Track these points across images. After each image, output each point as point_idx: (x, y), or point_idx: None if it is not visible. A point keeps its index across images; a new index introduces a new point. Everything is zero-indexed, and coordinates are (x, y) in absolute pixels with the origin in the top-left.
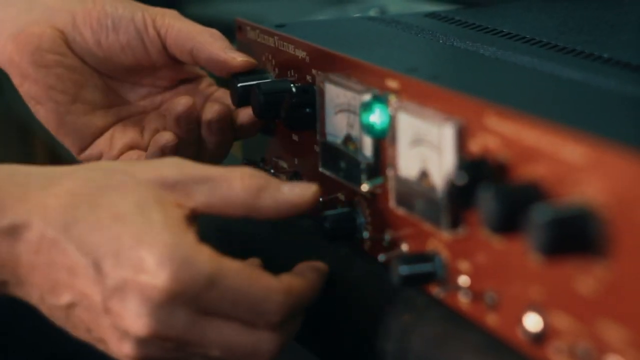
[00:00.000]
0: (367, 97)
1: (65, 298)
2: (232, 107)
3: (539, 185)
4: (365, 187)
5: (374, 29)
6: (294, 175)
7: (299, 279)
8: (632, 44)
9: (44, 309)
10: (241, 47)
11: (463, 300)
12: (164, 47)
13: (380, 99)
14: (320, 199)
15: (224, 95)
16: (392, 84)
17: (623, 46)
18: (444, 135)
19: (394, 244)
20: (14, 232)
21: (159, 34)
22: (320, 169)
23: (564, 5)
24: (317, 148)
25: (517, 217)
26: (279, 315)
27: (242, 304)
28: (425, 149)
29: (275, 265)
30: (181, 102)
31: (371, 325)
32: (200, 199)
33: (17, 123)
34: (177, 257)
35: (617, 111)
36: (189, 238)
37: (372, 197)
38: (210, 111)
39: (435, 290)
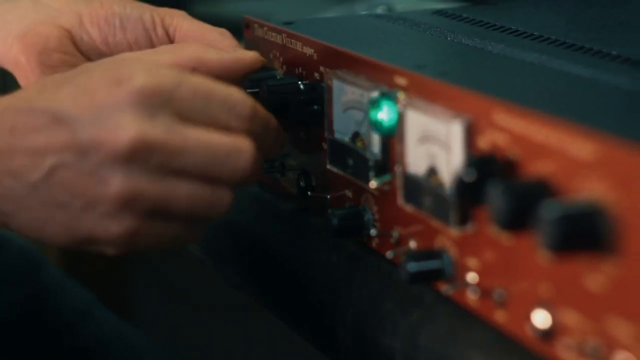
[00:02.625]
0: (375, 94)
1: (47, 162)
2: None
3: (548, 182)
4: (373, 184)
5: (381, 27)
6: (302, 173)
7: None
8: None
9: (28, 201)
10: (249, 45)
11: (471, 297)
12: None
13: (388, 95)
14: (328, 196)
15: None
16: (400, 80)
17: (632, 43)
18: (453, 132)
19: (402, 240)
20: None
21: (167, 34)
22: (328, 166)
23: (572, 2)
24: (325, 145)
25: (525, 214)
26: (249, 110)
27: (214, 99)
28: (434, 145)
29: (283, 262)
30: None
31: (379, 323)
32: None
33: None
34: (145, 62)
35: (626, 108)
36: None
37: (380, 194)
38: None
39: (444, 288)
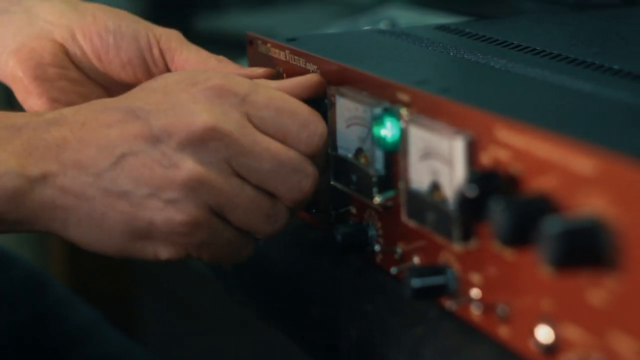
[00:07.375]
0: (378, 110)
1: (117, 152)
2: None
3: (550, 197)
4: (376, 200)
5: (384, 42)
6: None
7: None
8: None
9: (90, 191)
10: (252, 61)
11: (475, 313)
12: (168, 70)
13: (391, 112)
14: (332, 213)
15: None
16: (403, 97)
17: (633, 58)
18: (455, 148)
19: (406, 256)
20: (59, 119)
21: (163, 57)
22: (332, 182)
23: (574, 17)
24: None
25: (527, 230)
26: (320, 132)
27: (287, 113)
28: (436, 161)
29: (287, 278)
30: None
31: (383, 338)
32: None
33: None
34: (224, 72)
35: (628, 123)
36: None
37: (384, 210)
38: None
39: (447, 303)
